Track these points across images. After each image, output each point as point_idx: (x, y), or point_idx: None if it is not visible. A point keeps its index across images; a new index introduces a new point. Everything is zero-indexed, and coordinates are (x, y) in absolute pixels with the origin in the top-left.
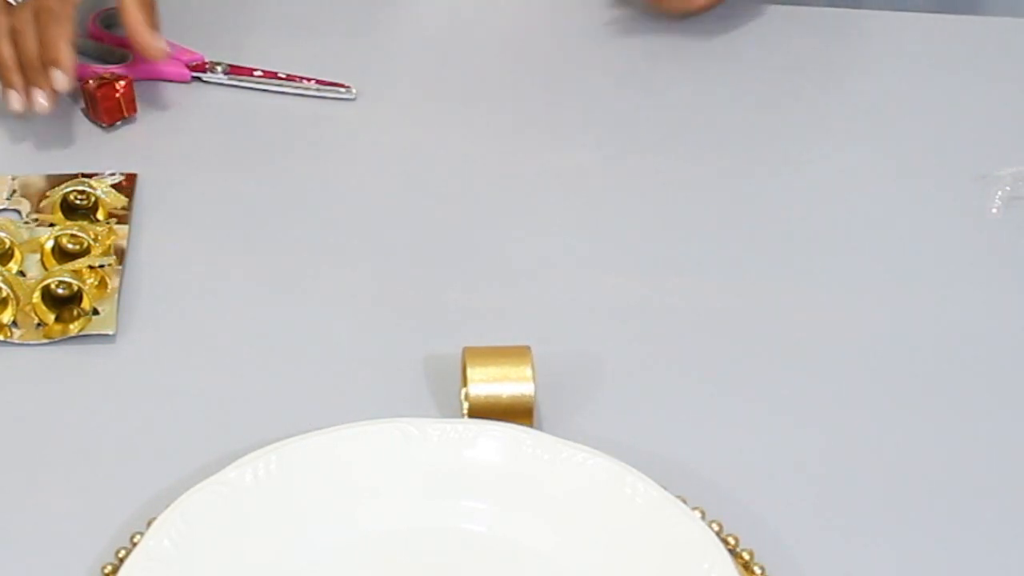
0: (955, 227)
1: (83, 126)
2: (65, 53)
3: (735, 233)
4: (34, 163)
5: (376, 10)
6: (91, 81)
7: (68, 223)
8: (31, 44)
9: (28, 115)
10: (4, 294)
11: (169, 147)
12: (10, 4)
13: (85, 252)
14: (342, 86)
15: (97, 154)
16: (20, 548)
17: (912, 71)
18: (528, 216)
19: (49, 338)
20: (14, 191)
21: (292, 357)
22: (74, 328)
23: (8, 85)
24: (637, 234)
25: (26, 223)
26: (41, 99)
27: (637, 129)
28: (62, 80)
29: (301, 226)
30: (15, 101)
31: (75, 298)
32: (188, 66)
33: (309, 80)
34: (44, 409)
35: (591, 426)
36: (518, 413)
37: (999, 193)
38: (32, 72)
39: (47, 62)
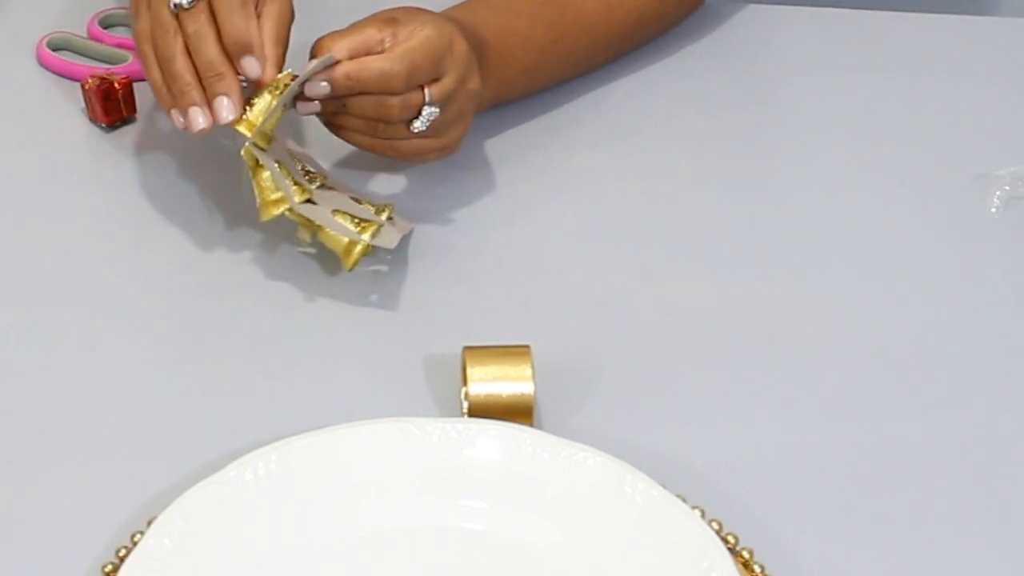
0: (954, 227)
1: (83, 126)
2: (256, 38)
3: (734, 233)
4: (33, 163)
5: (378, 10)
6: (91, 81)
7: None
8: (211, 50)
9: (206, 133)
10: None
11: (169, 147)
12: (181, 8)
13: None
14: None
15: (97, 154)
16: (20, 548)
17: (912, 71)
18: (528, 216)
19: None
20: None
21: (292, 357)
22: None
23: (188, 103)
24: (637, 234)
25: None
26: (225, 111)
27: (637, 131)
28: (254, 66)
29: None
30: (199, 119)
31: None
32: None
33: None
34: (45, 409)
35: (591, 425)
36: (518, 412)
37: (998, 193)
38: (214, 82)
39: (234, 50)
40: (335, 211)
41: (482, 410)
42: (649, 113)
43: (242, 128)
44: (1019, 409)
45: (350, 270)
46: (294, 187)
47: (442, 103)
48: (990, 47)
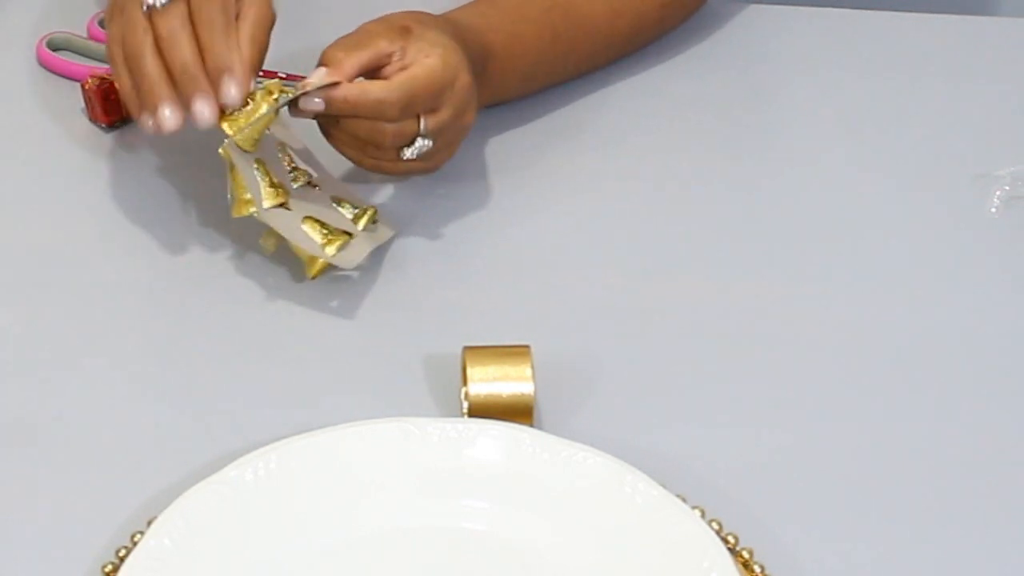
0: (954, 227)
1: (83, 126)
2: (238, 64)
3: (734, 233)
4: (33, 163)
5: (378, 10)
6: (91, 81)
7: None
8: (185, 53)
9: (175, 132)
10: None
11: (169, 147)
12: (153, 9)
13: None
14: None
15: (97, 154)
16: (20, 548)
17: (912, 71)
18: (529, 216)
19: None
20: None
21: (292, 357)
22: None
23: (156, 101)
24: (637, 234)
25: None
26: (203, 109)
27: (637, 131)
28: (234, 93)
29: None
30: (167, 115)
31: None
32: None
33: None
34: (45, 409)
35: (591, 425)
36: (518, 412)
37: (998, 193)
38: (188, 84)
39: (214, 72)
40: (307, 217)
41: (482, 410)
42: (649, 114)
43: (226, 126)
44: (1019, 409)
45: (312, 279)
46: (269, 189)
47: (434, 134)
48: (990, 47)
